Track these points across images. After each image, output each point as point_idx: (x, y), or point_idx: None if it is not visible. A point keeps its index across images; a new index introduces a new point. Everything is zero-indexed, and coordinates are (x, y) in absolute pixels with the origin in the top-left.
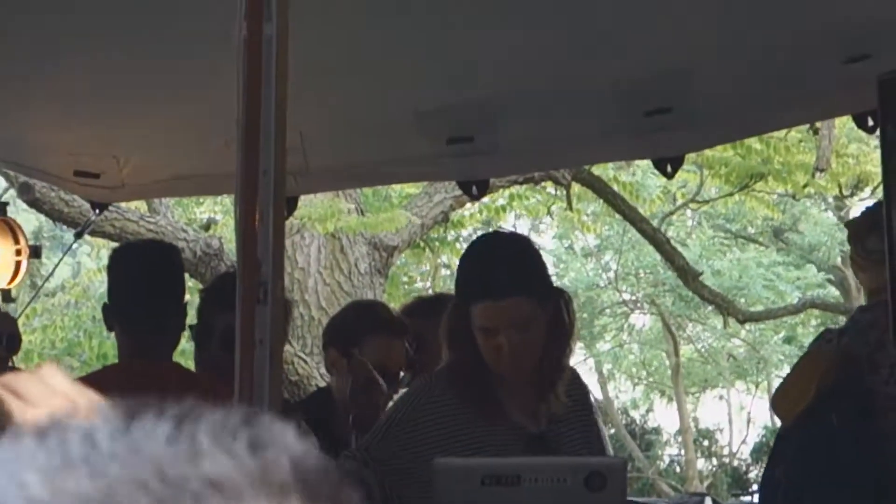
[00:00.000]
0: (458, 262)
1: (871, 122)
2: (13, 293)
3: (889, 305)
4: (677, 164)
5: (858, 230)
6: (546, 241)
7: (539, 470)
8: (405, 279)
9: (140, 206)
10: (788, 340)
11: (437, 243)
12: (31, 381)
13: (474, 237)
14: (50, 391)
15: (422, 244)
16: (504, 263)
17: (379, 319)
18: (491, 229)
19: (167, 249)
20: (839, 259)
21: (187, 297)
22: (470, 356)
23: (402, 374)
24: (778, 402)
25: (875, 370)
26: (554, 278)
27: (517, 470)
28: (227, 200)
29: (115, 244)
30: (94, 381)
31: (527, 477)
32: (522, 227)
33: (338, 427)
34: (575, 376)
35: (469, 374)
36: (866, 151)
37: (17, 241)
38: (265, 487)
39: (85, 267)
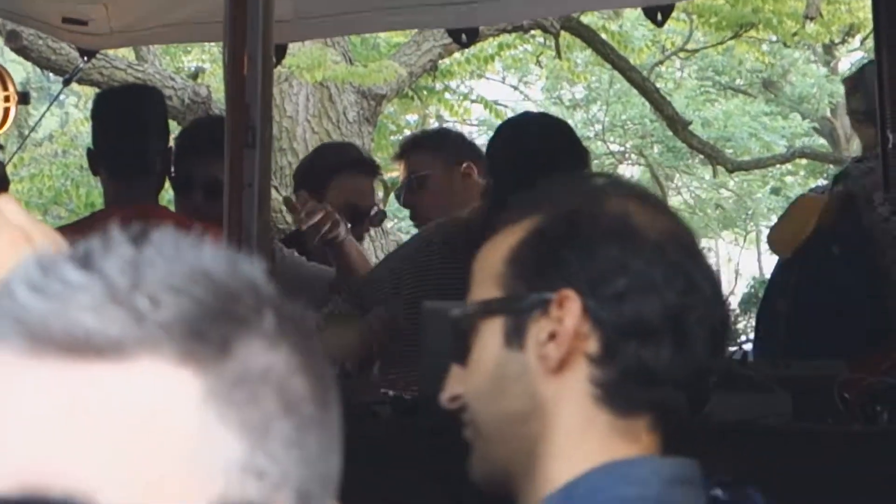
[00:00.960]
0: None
1: None
2: (1, 140)
3: (880, 158)
4: (667, 11)
5: (847, 89)
6: (534, 93)
7: None
8: (393, 128)
9: (128, 53)
10: (776, 191)
11: (425, 92)
12: None
13: (462, 87)
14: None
15: (410, 93)
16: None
17: (347, 159)
18: (479, 79)
19: (151, 92)
20: (828, 110)
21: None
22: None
23: (375, 210)
24: (776, 237)
25: (873, 208)
26: None
27: None
28: (216, 49)
29: None
30: (82, 227)
31: None
32: (511, 79)
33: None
34: None
35: (474, 235)
36: None
37: (5, 88)
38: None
39: (72, 117)
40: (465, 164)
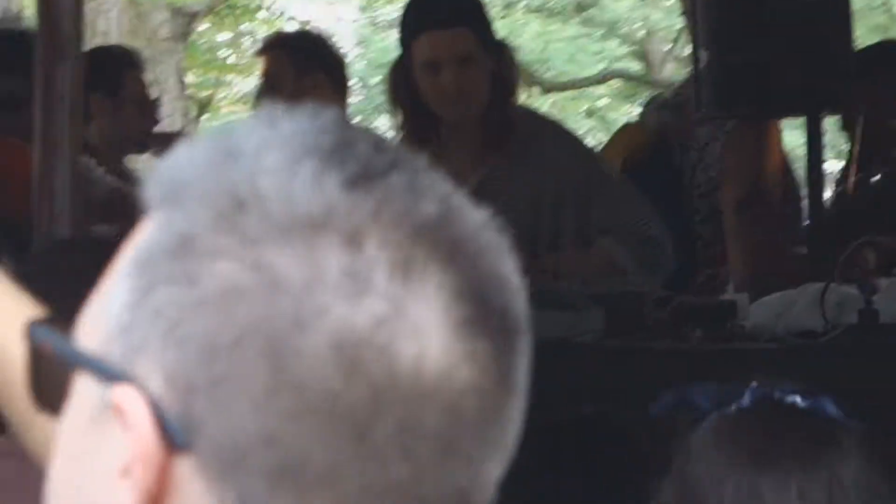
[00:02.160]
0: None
1: None
2: None
3: (692, 77)
4: None
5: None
6: (349, 12)
7: None
8: (206, 46)
9: None
10: (590, 113)
11: (239, 10)
12: None
13: (276, 4)
14: None
15: (224, 11)
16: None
17: (135, 58)
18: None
19: None
20: (643, 33)
21: None
22: (411, 109)
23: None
24: None
25: (686, 150)
26: (358, 56)
27: None
28: None
29: None
30: None
31: None
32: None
33: None
34: (550, 130)
35: (416, 130)
36: None
37: None
38: None
39: None
40: (317, 76)
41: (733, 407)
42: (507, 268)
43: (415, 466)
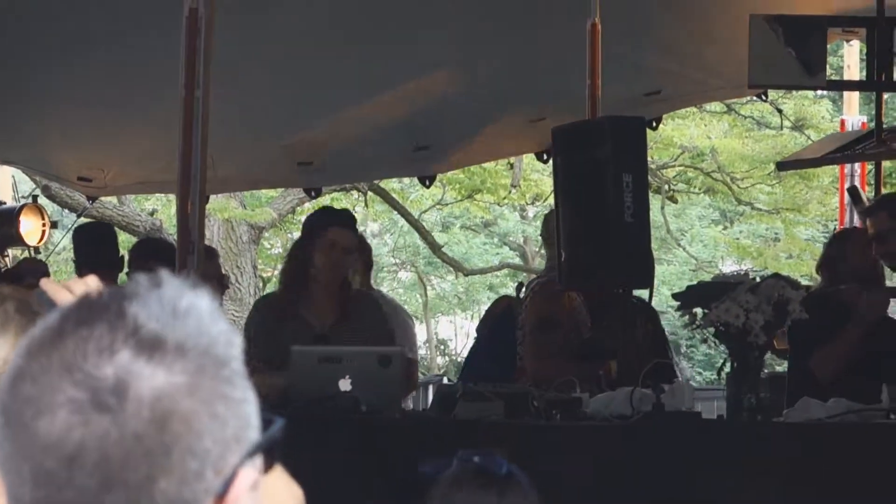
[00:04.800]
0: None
1: (545, 157)
2: (40, 250)
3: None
4: (432, 180)
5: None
6: None
7: (354, 354)
8: (269, 247)
9: (113, 200)
10: (492, 287)
11: (288, 226)
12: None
13: None
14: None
15: (279, 226)
16: (345, 212)
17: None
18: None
19: (106, 227)
20: (522, 240)
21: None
22: (291, 272)
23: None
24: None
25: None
26: None
27: (340, 354)
28: (163, 197)
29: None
30: None
31: (346, 358)
32: None
33: None
34: (372, 301)
35: (287, 287)
36: (542, 177)
37: (42, 218)
38: None
39: None
40: None
41: (446, 471)
42: None
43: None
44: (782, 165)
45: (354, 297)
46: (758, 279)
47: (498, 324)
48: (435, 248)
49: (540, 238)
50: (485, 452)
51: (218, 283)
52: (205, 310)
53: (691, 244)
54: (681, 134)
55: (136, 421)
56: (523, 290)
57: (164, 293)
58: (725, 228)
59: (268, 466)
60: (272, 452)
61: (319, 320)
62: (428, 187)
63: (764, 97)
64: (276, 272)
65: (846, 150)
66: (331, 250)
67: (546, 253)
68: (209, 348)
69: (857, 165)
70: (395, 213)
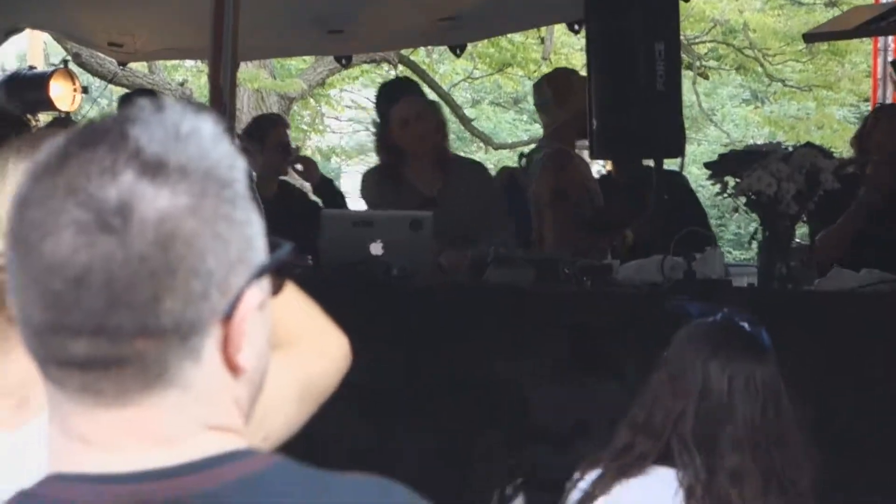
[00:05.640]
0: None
1: (577, 27)
2: (72, 115)
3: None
4: (462, 49)
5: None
6: None
7: (386, 218)
8: (298, 119)
9: (143, 67)
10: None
11: (318, 97)
12: None
13: (340, 96)
14: None
15: (309, 98)
16: (400, 81)
17: (280, 119)
18: (350, 92)
19: (152, 94)
20: None
21: None
22: (386, 148)
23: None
24: None
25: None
26: None
27: (371, 218)
28: (194, 66)
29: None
30: None
31: (377, 222)
32: (368, 92)
33: None
34: (480, 168)
35: (387, 158)
36: (573, 51)
37: (73, 83)
38: None
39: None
40: None
41: (710, 319)
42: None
43: None
44: (810, 37)
45: (458, 162)
46: (790, 149)
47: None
48: (465, 121)
49: None
50: (750, 320)
51: (281, 150)
52: (207, 133)
53: (722, 123)
54: (712, 7)
55: (141, 241)
56: (523, 160)
57: (166, 117)
58: (756, 108)
59: (276, 289)
60: (281, 275)
61: (427, 187)
62: (458, 56)
63: None
64: (306, 143)
65: (879, 21)
66: (404, 125)
67: (542, 120)
68: (211, 170)
69: (890, 40)
70: (425, 85)
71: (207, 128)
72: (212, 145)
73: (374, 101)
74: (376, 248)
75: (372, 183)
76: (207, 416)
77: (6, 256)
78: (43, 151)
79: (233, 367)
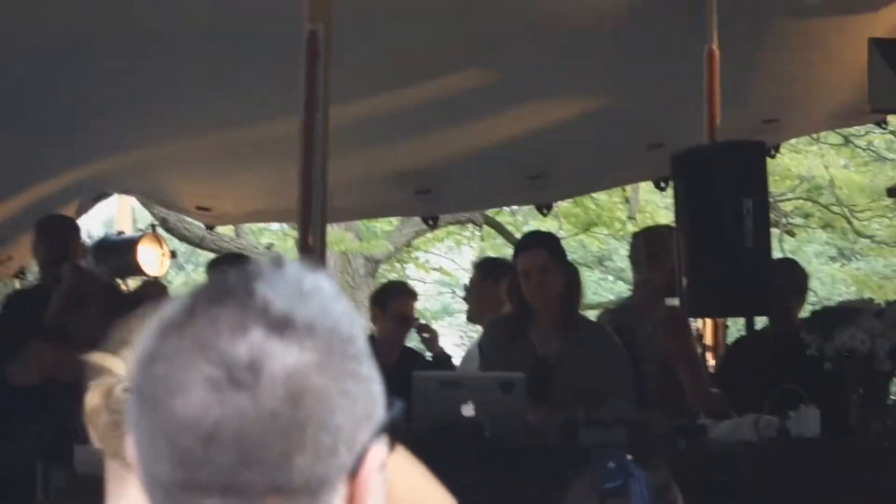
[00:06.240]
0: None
1: (663, 185)
2: (161, 279)
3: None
4: (549, 208)
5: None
6: (466, 262)
7: (475, 379)
8: (384, 280)
9: (230, 231)
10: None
11: (405, 259)
12: None
13: (426, 258)
14: None
15: (395, 259)
16: (534, 233)
17: (407, 288)
18: (436, 255)
19: (243, 257)
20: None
21: None
22: (515, 301)
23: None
24: None
25: (640, 324)
26: None
27: (461, 380)
28: (277, 228)
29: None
30: None
31: (467, 383)
32: (454, 255)
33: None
34: (599, 328)
35: (513, 313)
36: (658, 209)
37: (161, 247)
38: None
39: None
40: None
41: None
42: None
43: None
44: (894, 191)
45: (581, 325)
46: (882, 304)
47: None
48: None
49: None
50: (619, 461)
51: (403, 320)
52: (327, 289)
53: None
54: (798, 164)
55: (271, 398)
56: (606, 315)
57: (287, 273)
58: (843, 266)
59: (390, 447)
60: (394, 434)
61: (544, 346)
62: (545, 215)
63: (883, 125)
64: None
65: None
66: (526, 278)
67: (634, 278)
68: (335, 326)
69: None
70: (511, 246)
71: (327, 284)
72: (333, 302)
73: (513, 253)
74: (468, 410)
75: (491, 333)
76: None
77: (131, 413)
78: (167, 309)
79: None
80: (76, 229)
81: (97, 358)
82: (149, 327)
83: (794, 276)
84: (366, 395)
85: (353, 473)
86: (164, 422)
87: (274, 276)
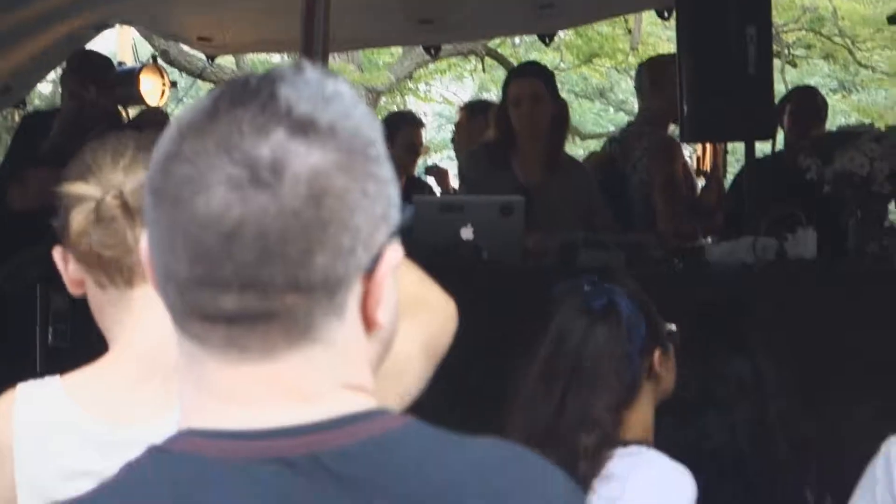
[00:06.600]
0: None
1: (666, 14)
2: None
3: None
4: (552, 38)
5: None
6: (467, 94)
7: (475, 202)
8: (385, 112)
9: (231, 64)
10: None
11: (406, 90)
12: None
13: (427, 89)
14: None
15: (396, 91)
16: (530, 63)
17: (413, 118)
18: (437, 85)
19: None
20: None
21: None
22: (501, 128)
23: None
24: None
25: (632, 152)
26: None
27: (461, 203)
28: (278, 59)
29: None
30: None
31: (467, 207)
32: (455, 87)
33: None
34: (579, 165)
35: (497, 139)
36: (660, 41)
37: (162, 78)
38: None
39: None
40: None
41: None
42: None
43: None
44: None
45: (565, 160)
46: (882, 128)
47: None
48: None
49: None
50: (597, 283)
51: (411, 150)
52: (348, 94)
53: None
54: None
55: (294, 197)
56: (614, 145)
57: (309, 77)
58: (844, 96)
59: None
60: (401, 237)
61: (526, 176)
62: (548, 45)
63: None
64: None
65: None
66: (516, 106)
67: (639, 105)
68: (357, 129)
69: None
70: None
71: (347, 90)
72: (353, 106)
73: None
74: (467, 233)
75: (473, 160)
76: (345, 375)
77: (147, 212)
78: (188, 110)
79: (371, 324)
80: (111, 68)
81: (69, 188)
82: (168, 129)
83: (814, 104)
84: (384, 197)
85: (369, 273)
86: (184, 220)
87: (296, 79)
